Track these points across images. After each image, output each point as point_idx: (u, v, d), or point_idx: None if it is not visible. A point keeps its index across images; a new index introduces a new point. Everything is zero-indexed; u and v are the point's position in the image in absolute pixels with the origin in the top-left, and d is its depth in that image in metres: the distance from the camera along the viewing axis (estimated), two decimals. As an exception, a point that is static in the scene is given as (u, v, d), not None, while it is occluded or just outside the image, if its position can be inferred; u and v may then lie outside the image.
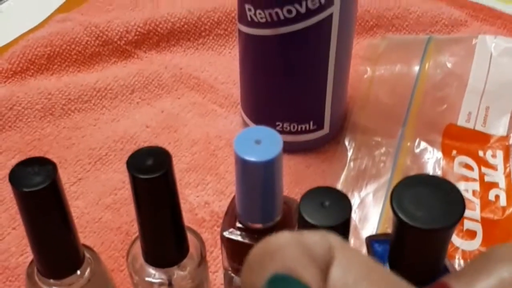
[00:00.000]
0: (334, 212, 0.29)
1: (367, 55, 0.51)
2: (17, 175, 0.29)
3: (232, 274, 0.38)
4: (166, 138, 0.48)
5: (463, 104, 0.47)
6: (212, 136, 0.48)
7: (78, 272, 0.33)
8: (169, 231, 0.32)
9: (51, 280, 0.32)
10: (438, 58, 0.49)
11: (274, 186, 0.34)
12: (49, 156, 0.47)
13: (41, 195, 0.29)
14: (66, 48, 0.53)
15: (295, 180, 0.45)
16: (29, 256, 0.41)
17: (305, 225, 0.29)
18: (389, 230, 0.41)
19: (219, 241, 0.42)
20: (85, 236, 0.42)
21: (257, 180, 0.34)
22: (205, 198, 0.44)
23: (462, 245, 0.39)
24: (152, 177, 0.29)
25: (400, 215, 0.29)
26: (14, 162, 0.46)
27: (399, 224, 0.29)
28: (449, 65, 0.48)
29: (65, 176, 0.45)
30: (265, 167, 0.33)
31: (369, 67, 0.49)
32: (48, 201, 0.29)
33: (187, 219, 0.43)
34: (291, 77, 0.43)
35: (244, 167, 0.33)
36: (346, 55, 0.44)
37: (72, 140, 0.48)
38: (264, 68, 0.43)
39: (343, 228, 0.30)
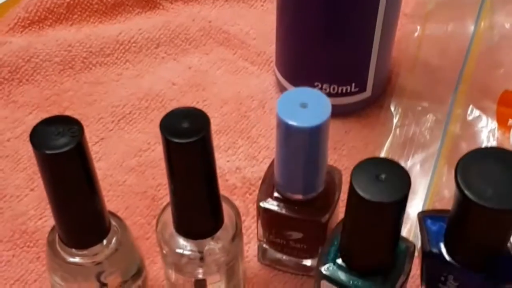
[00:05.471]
0: (392, 186, 0.26)
1: (414, 12, 0.47)
2: (39, 136, 0.26)
3: (266, 246, 0.36)
4: (193, 97, 0.45)
5: (521, 69, 0.43)
6: (244, 96, 0.45)
7: (104, 241, 0.30)
8: (204, 201, 0.30)
9: (74, 250, 0.30)
10: (494, 17, 0.44)
11: (319, 155, 0.31)
12: (69, 113, 0.44)
13: (66, 158, 0.26)
14: (87, -3, 0.49)
15: (333, 146, 0.42)
16: (48, 219, 0.38)
17: (358, 200, 0.26)
18: (438, 204, 0.38)
19: (251, 210, 0.39)
20: (108, 200, 0.39)
21: (301, 147, 0.31)
22: (236, 163, 0.41)
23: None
24: (188, 142, 0.26)
25: (467, 192, 0.26)
26: (31, 118, 0.44)
27: (464, 202, 0.26)
28: (506, 25, 0.44)
29: (86, 135, 0.42)
30: (311, 133, 0.30)
31: (419, 25, 0.45)
32: (73, 164, 0.27)
33: (217, 185, 0.40)
34: (335, 33, 0.39)
35: (287, 133, 0.30)
36: (395, 10, 0.40)
37: (93, 96, 0.45)
38: (305, 21, 0.39)
39: (401, 204, 0.27)
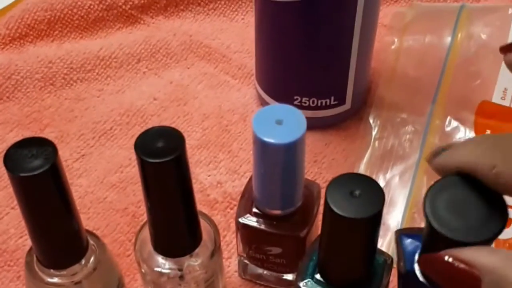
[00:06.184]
0: (366, 202, 0.26)
1: (392, 24, 0.47)
2: (12, 158, 0.26)
3: (247, 261, 0.36)
4: (175, 112, 0.45)
5: (498, 79, 0.43)
6: (225, 109, 0.45)
7: (82, 261, 0.30)
8: (181, 219, 0.30)
9: (52, 270, 0.30)
10: (471, 28, 0.45)
11: (296, 170, 0.31)
12: (50, 129, 0.44)
13: (40, 180, 0.26)
14: (68, 13, 0.49)
15: (314, 159, 0.42)
16: (29, 238, 0.38)
17: (333, 216, 0.26)
18: (417, 215, 0.38)
19: (232, 225, 0.39)
20: (88, 218, 0.39)
21: (278, 163, 0.31)
22: (217, 178, 0.41)
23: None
24: (163, 161, 0.26)
25: (433, 222, 0.25)
26: (12, 135, 0.43)
27: (431, 232, 0.26)
28: (483, 36, 0.45)
29: (67, 152, 0.42)
30: (287, 150, 0.30)
31: (396, 37, 0.46)
32: (48, 186, 0.27)
33: (198, 200, 0.39)
34: (313, 47, 0.39)
35: (264, 150, 0.30)
36: (372, 23, 0.40)
37: (74, 113, 0.45)
38: (282, 36, 0.40)
39: (375, 220, 0.27)
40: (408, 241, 0.29)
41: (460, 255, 0.24)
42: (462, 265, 0.23)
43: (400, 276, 0.30)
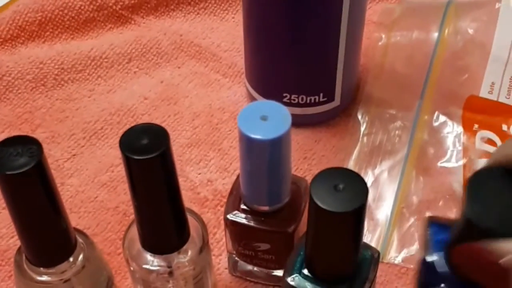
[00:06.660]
0: (349, 196, 0.26)
1: (381, 20, 0.47)
2: (-3, 157, 0.26)
3: (237, 258, 0.36)
4: (165, 111, 0.45)
5: (485, 74, 0.43)
6: (215, 108, 0.45)
7: (71, 259, 0.30)
8: (168, 216, 0.30)
9: (41, 269, 0.30)
10: (458, 23, 0.45)
11: (282, 166, 0.32)
12: (41, 130, 0.44)
13: (26, 178, 0.26)
14: (59, 14, 0.49)
15: (303, 156, 0.42)
16: (20, 238, 0.38)
17: (317, 210, 0.26)
18: (405, 210, 0.38)
19: (223, 222, 0.39)
20: (79, 217, 0.39)
21: (264, 159, 0.31)
22: (207, 176, 0.41)
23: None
24: (148, 158, 0.27)
25: (470, 210, 0.24)
26: (3, 136, 0.43)
27: (467, 219, 0.25)
28: (470, 31, 0.45)
29: (58, 152, 0.43)
30: (272, 145, 0.30)
31: (384, 33, 0.46)
32: (34, 184, 0.27)
33: (189, 198, 0.40)
34: (300, 44, 0.39)
35: (249, 146, 0.31)
36: (359, 19, 0.40)
37: (65, 113, 0.45)
38: (270, 34, 0.40)
39: (358, 213, 0.27)
40: (435, 231, 0.29)
41: (489, 245, 0.24)
42: (491, 255, 0.24)
43: (421, 264, 0.29)
